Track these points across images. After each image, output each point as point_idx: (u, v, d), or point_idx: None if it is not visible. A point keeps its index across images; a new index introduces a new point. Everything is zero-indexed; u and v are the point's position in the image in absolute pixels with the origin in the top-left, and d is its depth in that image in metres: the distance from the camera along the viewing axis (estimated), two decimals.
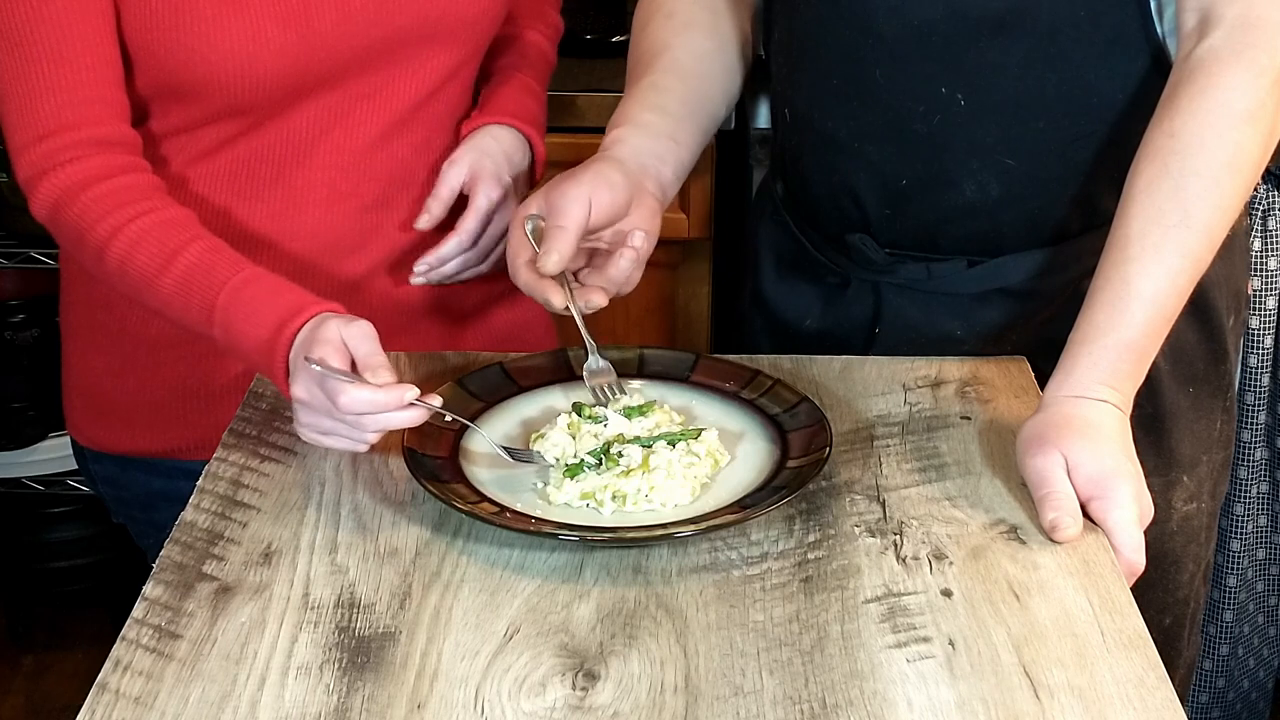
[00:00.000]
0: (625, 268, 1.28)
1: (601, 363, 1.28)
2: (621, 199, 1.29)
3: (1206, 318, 1.41)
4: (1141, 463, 1.15)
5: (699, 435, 1.19)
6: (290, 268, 1.38)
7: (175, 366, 1.41)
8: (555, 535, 1.08)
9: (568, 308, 1.25)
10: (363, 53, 1.34)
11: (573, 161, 1.62)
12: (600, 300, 1.26)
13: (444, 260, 1.43)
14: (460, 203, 1.45)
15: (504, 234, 1.44)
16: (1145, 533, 1.12)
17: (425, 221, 1.43)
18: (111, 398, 1.44)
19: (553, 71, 1.60)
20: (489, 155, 1.45)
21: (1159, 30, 1.27)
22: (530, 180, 1.52)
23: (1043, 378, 1.22)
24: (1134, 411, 1.19)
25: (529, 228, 1.27)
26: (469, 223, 1.43)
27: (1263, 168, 1.22)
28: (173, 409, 1.43)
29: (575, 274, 1.30)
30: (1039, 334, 1.37)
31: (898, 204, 1.38)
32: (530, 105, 1.52)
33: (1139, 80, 1.29)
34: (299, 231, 1.38)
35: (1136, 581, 1.09)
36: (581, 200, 1.25)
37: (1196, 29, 1.23)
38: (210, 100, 1.31)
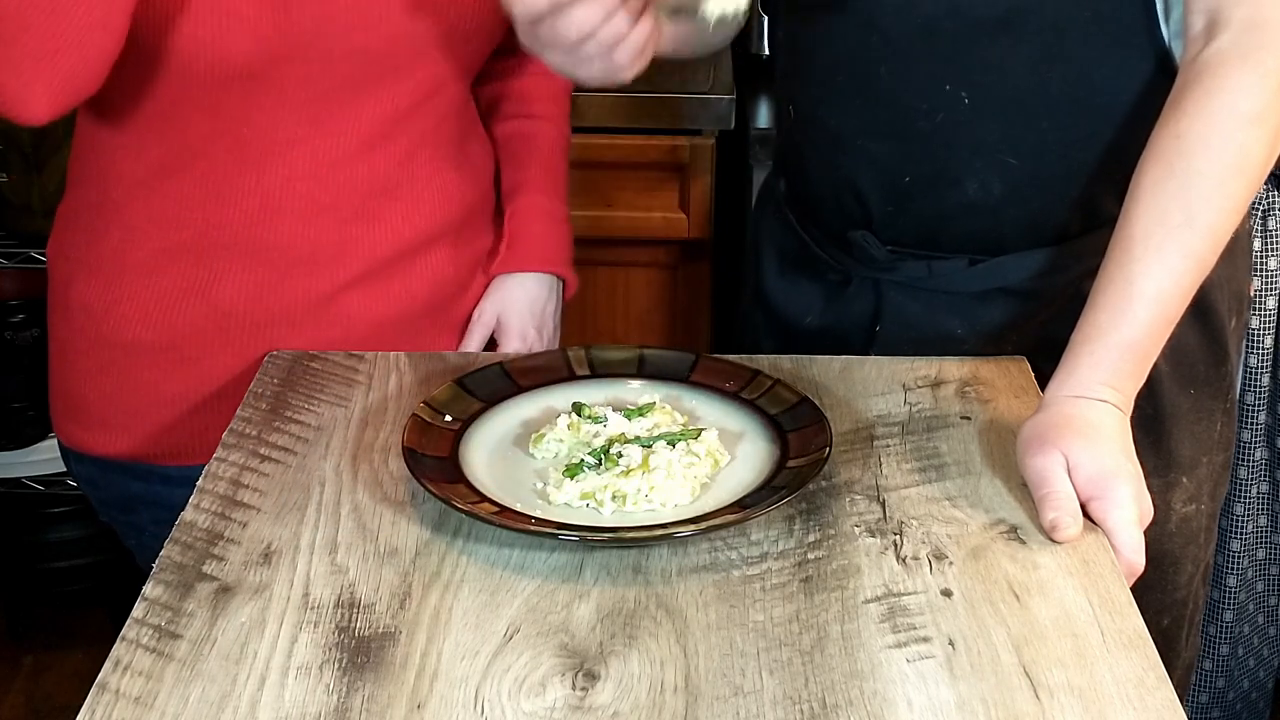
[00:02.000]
0: None
1: None
2: None
3: (1208, 319, 1.41)
4: (1141, 463, 1.15)
5: (699, 435, 1.19)
6: (268, 277, 1.38)
7: (151, 372, 1.41)
8: (555, 535, 1.08)
9: None
10: (342, 57, 1.33)
11: (574, 161, 1.62)
12: None
13: None
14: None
15: None
16: (1144, 533, 1.12)
17: None
18: (90, 400, 1.44)
19: (570, 139, 1.62)
20: (514, 309, 1.53)
21: (1164, 33, 1.27)
22: (560, 310, 1.59)
23: (1043, 378, 1.22)
24: (1134, 412, 1.19)
25: None
26: None
27: (1268, 170, 1.22)
28: (149, 414, 1.42)
29: None
30: (1040, 334, 1.37)
31: (900, 201, 1.38)
32: (556, 236, 1.56)
33: (1143, 83, 1.29)
34: (276, 241, 1.37)
35: (1135, 582, 1.09)
36: None
37: (1204, 31, 1.23)
38: (180, 77, 1.29)
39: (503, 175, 1.58)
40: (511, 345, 1.53)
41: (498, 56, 1.50)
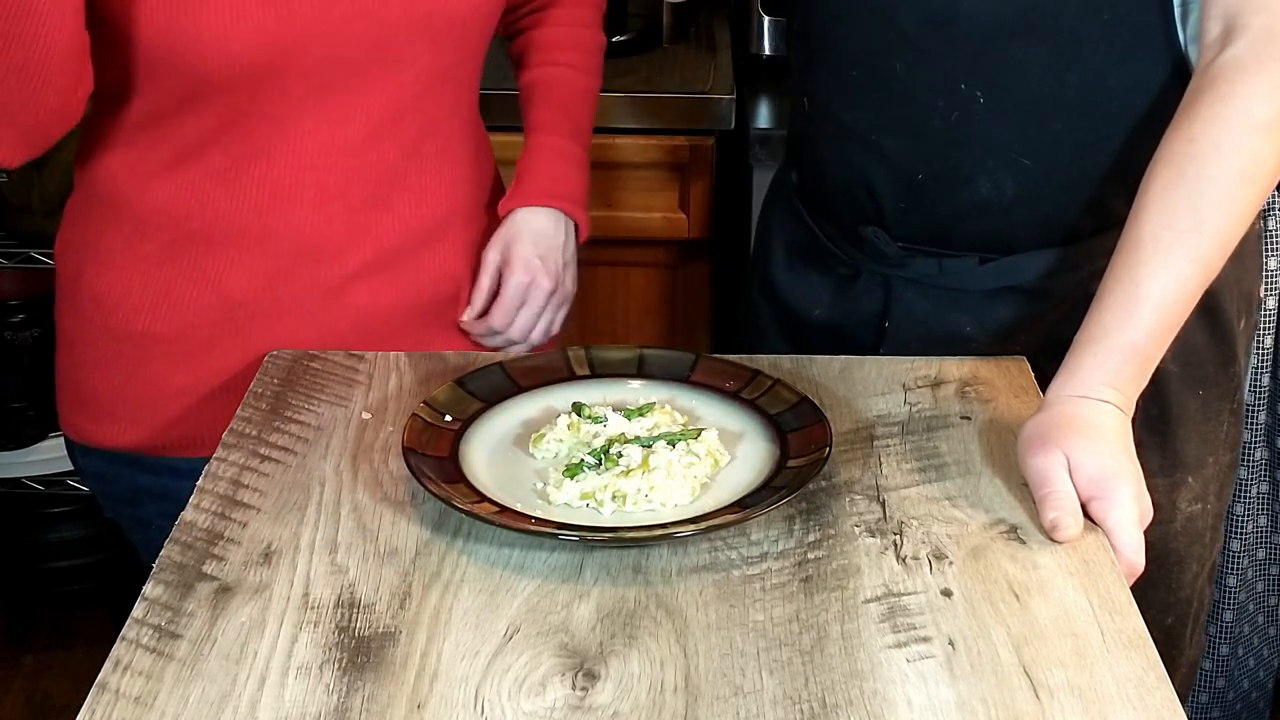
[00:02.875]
0: None
1: None
2: None
3: (1217, 320, 1.41)
4: (1147, 463, 1.15)
5: (699, 435, 1.19)
6: (277, 267, 1.38)
7: (161, 364, 1.41)
8: (555, 535, 1.08)
9: None
10: (345, 45, 1.33)
11: None
12: None
13: (481, 335, 1.50)
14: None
15: (539, 314, 1.51)
16: (1148, 532, 1.12)
17: (469, 314, 1.49)
18: (99, 392, 1.45)
19: (598, 94, 1.60)
20: (518, 240, 1.50)
21: (1181, 38, 1.27)
22: (573, 251, 1.56)
23: (1050, 379, 1.22)
24: (1142, 413, 1.19)
25: None
26: (497, 310, 1.49)
27: (1278, 178, 1.22)
28: (158, 405, 1.42)
29: None
30: (1049, 334, 1.37)
31: (913, 199, 1.38)
32: (567, 175, 1.53)
33: (1158, 87, 1.29)
34: (286, 230, 1.38)
35: (1139, 580, 1.10)
36: None
37: (1220, 38, 1.23)
38: (188, 76, 1.29)
39: (522, 120, 1.56)
40: (516, 276, 1.47)
41: (526, 12, 1.52)
